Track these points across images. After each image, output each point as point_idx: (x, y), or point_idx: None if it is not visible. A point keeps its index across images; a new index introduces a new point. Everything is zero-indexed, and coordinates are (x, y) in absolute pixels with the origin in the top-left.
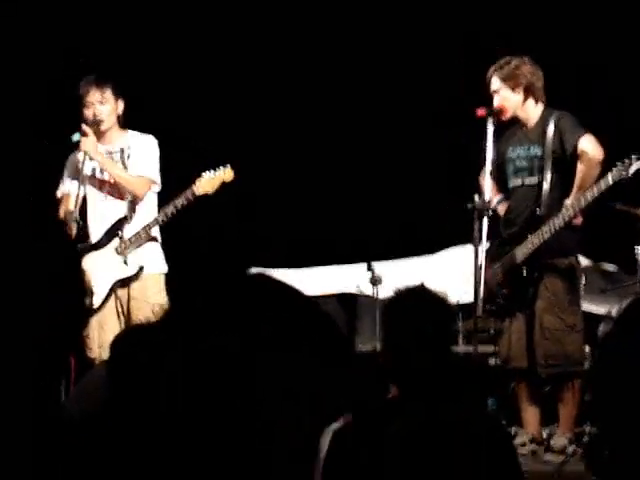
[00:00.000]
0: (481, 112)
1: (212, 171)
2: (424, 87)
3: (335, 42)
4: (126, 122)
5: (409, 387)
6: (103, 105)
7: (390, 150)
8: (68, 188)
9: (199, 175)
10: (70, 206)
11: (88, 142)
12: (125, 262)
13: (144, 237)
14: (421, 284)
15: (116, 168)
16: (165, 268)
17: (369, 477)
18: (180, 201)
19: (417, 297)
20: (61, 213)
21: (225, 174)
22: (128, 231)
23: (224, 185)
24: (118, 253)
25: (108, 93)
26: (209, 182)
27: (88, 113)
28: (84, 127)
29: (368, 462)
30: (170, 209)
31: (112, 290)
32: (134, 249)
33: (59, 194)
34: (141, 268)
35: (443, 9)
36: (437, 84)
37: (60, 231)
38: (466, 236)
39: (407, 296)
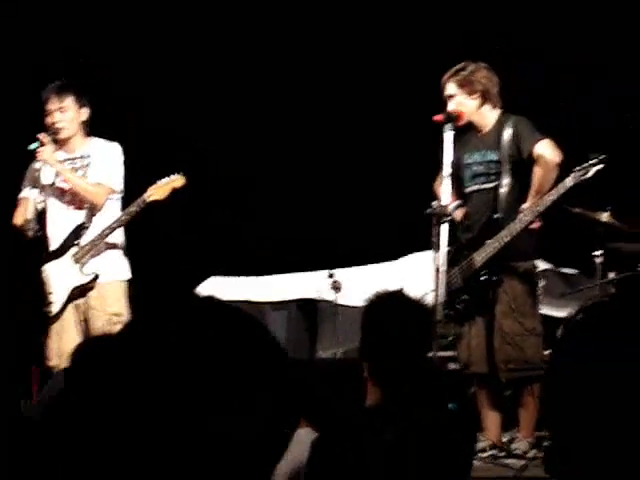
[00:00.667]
0: (438, 118)
1: (164, 178)
2: (381, 93)
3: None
4: (94, 130)
5: (389, 391)
6: (62, 113)
7: (350, 157)
8: (27, 194)
9: (151, 183)
10: (27, 214)
11: (45, 151)
12: (81, 270)
13: (100, 244)
14: (400, 289)
15: (74, 176)
16: (127, 275)
17: None
18: (133, 208)
19: (396, 301)
20: (17, 218)
21: (176, 181)
22: (85, 239)
23: (175, 192)
24: (75, 261)
25: (69, 101)
26: (160, 189)
27: (48, 120)
28: (41, 136)
29: (353, 469)
30: (123, 216)
31: (70, 299)
32: (91, 257)
33: (21, 196)
34: (96, 276)
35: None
36: (395, 90)
37: (17, 236)
38: (426, 242)
39: (386, 300)
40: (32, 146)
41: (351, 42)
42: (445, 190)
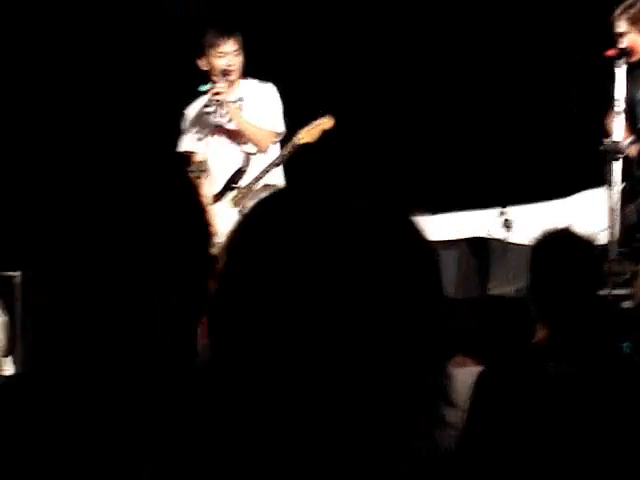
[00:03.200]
0: (611, 52)
1: (314, 121)
2: (552, 29)
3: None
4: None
5: (559, 330)
6: (236, 56)
7: (519, 93)
8: (190, 144)
9: (301, 126)
10: (198, 159)
11: (224, 90)
12: (239, 213)
13: (258, 187)
14: (567, 226)
15: (244, 119)
16: None
17: (523, 421)
18: (286, 151)
19: (564, 239)
20: (190, 169)
21: (325, 123)
22: (244, 182)
23: (325, 133)
24: (234, 205)
25: (238, 44)
26: (310, 132)
27: (221, 63)
28: (214, 78)
29: (519, 406)
30: (277, 159)
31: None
32: (249, 200)
33: (183, 150)
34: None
35: None
36: (565, 24)
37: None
38: (599, 179)
39: (554, 239)
40: (203, 87)
41: None
42: (618, 126)
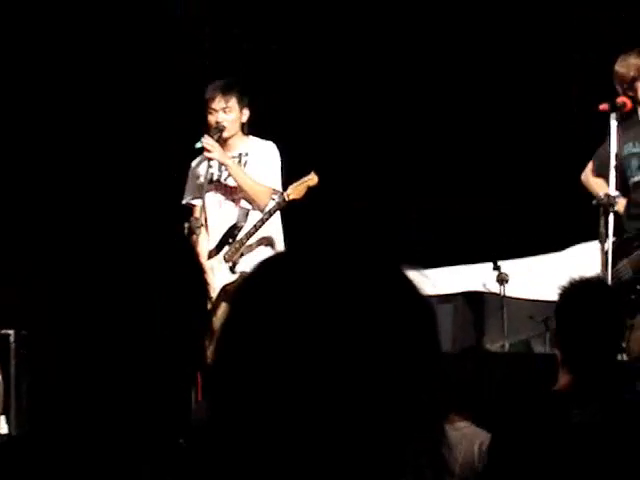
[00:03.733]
0: (604, 107)
1: (300, 179)
2: (543, 84)
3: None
4: (250, 129)
5: (584, 376)
6: (227, 114)
7: (513, 148)
8: (196, 202)
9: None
10: (196, 214)
11: (215, 148)
12: (231, 269)
13: (249, 243)
14: (597, 275)
15: (244, 174)
16: None
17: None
18: (274, 207)
19: (593, 287)
20: (194, 223)
21: (310, 180)
22: (239, 237)
23: (309, 190)
24: (225, 260)
25: (232, 102)
26: (297, 189)
27: (211, 120)
28: (205, 137)
29: (542, 456)
30: (265, 215)
31: (221, 298)
32: (241, 256)
33: (184, 202)
34: (241, 275)
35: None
36: (555, 81)
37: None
38: (590, 233)
39: (583, 286)
40: (198, 144)
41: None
42: (611, 180)
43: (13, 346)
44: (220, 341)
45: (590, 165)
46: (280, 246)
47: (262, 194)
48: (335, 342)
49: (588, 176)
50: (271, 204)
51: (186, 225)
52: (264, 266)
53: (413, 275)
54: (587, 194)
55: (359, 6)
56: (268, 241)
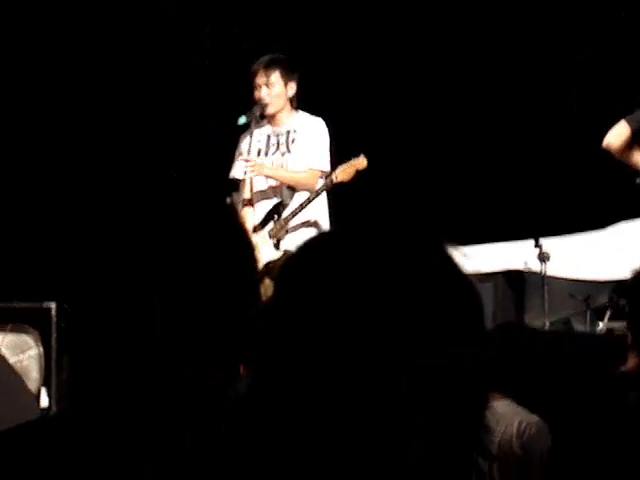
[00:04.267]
0: None
1: (348, 161)
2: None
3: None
4: (301, 103)
5: None
6: (269, 88)
7: (557, 125)
8: (239, 173)
9: (337, 164)
10: (245, 194)
11: (256, 167)
12: (275, 246)
13: (294, 222)
14: None
15: (286, 175)
16: None
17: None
18: (321, 189)
19: None
20: (236, 198)
21: (359, 163)
22: (284, 214)
23: (359, 173)
24: (270, 237)
25: (275, 76)
26: (345, 171)
27: (255, 95)
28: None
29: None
30: (312, 196)
31: (264, 274)
32: (286, 234)
33: (231, 176)
34: (285, 253)
35: None
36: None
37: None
38: (635, 211)
39: None
40: (241, 120)
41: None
42: None
43: (54, 319)
44: (264, 319)
45: (622, 129)
46: (325, 227)
47: (309, 181)
48: (376, 324)
49: (621, 142)
50: (319, 184)
51: (227, 200)
52: (308, 246)
53: (454, 254)
54: (629, 170)
55: (360, 6)
56: (313, 221)
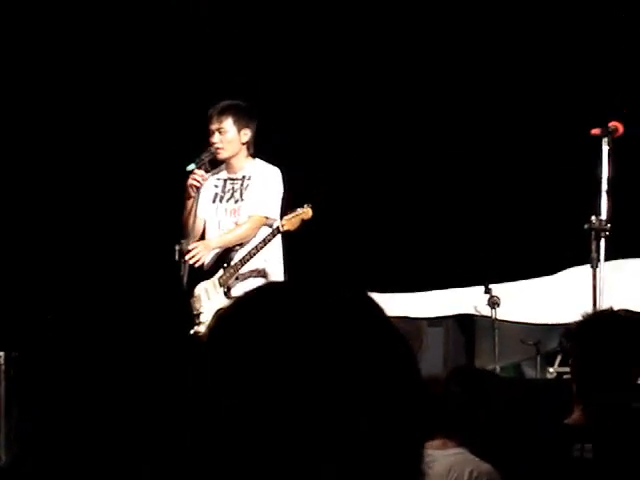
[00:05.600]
0: (595, 131)
1: (294, 210)
2: (535, 107)
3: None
4: (257, 150)
5: (593, 410)
6: (222, 134)
7: (504, 170)
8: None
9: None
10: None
11: (199, 252)
12: (226, 293)
13: (243, 270)
14: (610, 308)
15: (233, 238)
16: None
17: None
18: (268, 237)
19: (610, 320)
20: (185, 245)
21: (304, 213)
22: (233, 261)
23: (304, 223)
24: (220, 284)
25: (228, 123)
26: (291, 221)
27: (210, 140)
28: (197, 173)
29: None
30: (260, 244)
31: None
32: (236, 281)
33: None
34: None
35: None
36: (549, 103)
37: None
38: (584, 256)
39: (602, 318)
40: (190, 167)
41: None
42: (603, 205)
43: (3, 368)
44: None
45: None
46: (276, 274)
47: (252, 229)
48: (307, 373)
49: None
50: (266, 232)
51: (177, 247)
52: (242, 300)
53: (383, 302)
54: (579, 217)
55: (361, 8)
56: (261, 269)
